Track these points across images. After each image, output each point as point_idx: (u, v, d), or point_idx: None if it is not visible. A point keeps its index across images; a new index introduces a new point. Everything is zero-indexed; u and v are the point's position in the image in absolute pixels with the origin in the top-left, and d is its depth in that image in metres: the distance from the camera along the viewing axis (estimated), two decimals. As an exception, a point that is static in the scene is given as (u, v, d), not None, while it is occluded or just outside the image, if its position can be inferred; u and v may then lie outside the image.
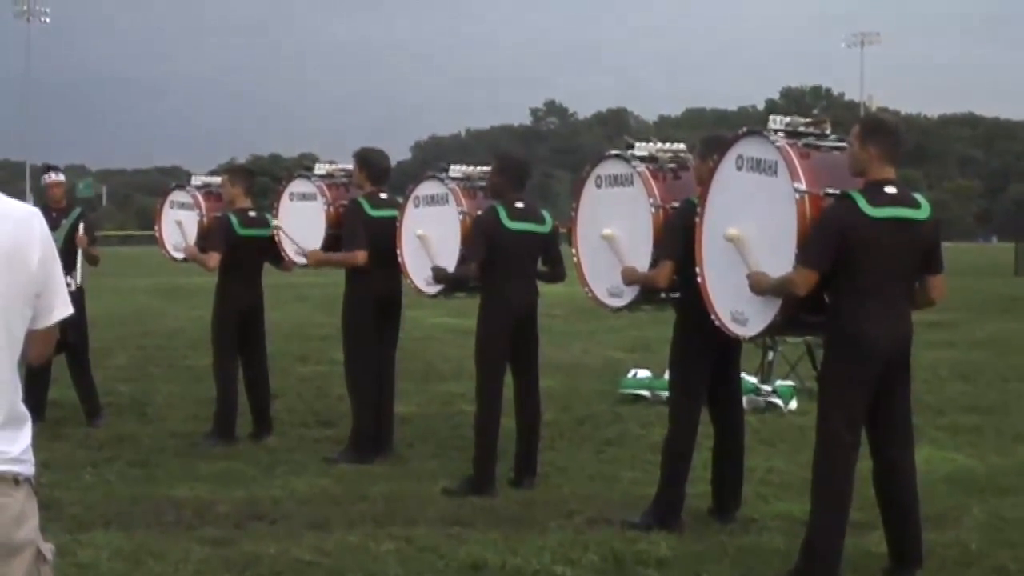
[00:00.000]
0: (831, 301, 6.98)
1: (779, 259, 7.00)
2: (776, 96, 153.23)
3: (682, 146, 9.00)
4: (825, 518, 6.97)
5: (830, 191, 6.93)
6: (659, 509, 8.27)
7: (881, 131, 6.96)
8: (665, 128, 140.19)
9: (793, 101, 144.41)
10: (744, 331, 7.51)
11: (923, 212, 6.90)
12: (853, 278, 6.80)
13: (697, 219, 7.74)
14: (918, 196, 6.98)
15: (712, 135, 8.64)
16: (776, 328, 7.46)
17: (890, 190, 6.83)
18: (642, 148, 8.85)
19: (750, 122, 8.11)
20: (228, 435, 11.31)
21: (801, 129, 7.34)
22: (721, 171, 7.59)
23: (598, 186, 9.05)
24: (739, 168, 7.45)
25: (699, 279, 7.66)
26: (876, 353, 6.84)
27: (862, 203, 6.74)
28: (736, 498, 8.57)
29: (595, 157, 9.31)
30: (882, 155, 6.87)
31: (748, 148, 7.41)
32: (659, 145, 8.92)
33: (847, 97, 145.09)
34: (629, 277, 8.54)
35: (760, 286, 7.11)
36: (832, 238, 6.75)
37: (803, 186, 6.91)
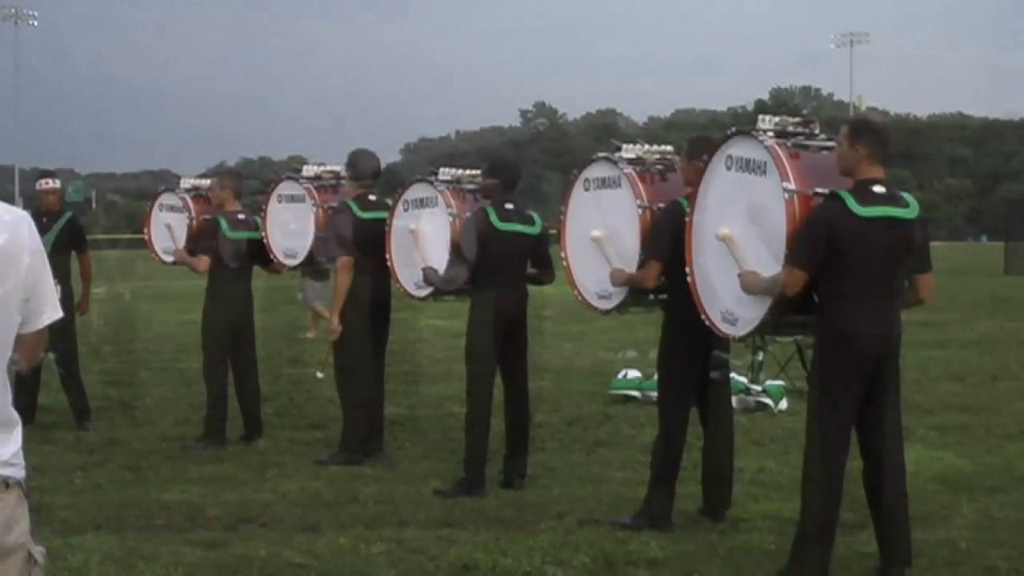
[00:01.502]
0: (821, 300, 6.99)
1: (769, 259, 7.02)
2: (766, 97, 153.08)
3: (669, 148, 9.03)
4: (815, 518, 6.98)
5: (819, 190, 6.95)
6: (650, 509, 8.29)
7: (869, 131, 6.99)
8: (654, 129, 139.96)
9: (783, 102, 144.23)
10: (734, 331, 7.53)
11: (911, 211, 6.93)
12: (842, 277, 6.82)
13: (687, 219, 7.76)
14: (906, 195, 7.00)
15: (699, 136, 8.69)
16: (766, 327, 7.48)
17: (879, 189, 6.86)
18: (629, 150, 8.87)
19: (739, 123, 8.10)
20: (218, 438, 11.31)
21: (790, 129, 7.35)
22: (711, 171, 7.60)
23: (586, 189, 9.06)
24: (728, 168, 7.46)
25: (689, 279, 7.68)
26: (865, 352, 6.86)
27: (851, 203, 6.76)
28: (726, 497, 8.58)
29: (583, 160, 9.33)
30: (870, 155, 6.90)
31: (737, 148, 7.42)
32: (646, 147, 8.94)
33: (836, 97, 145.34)
34: (618, 279, 8.56)
35: (751, 286, 7.14)
36: (821, 238, 6.78)
37: (792, 185, 6.94)
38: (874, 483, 7.13)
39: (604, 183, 8.88)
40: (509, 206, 9.57)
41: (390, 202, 10.62)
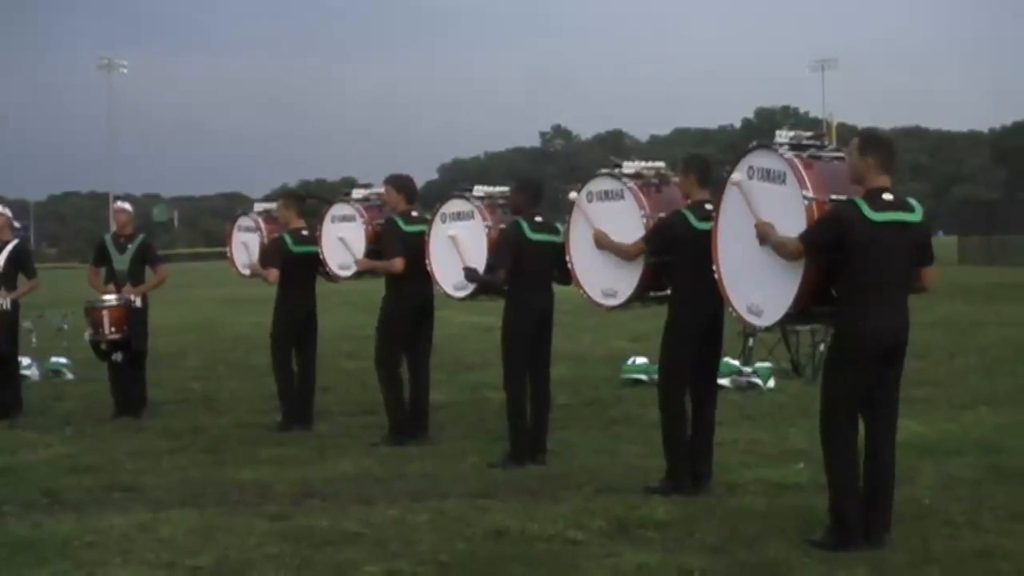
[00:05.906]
0: (838, 295, 6.89)
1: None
2: (751, 115, 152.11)
3: (662, 164, 8.94)
4: (841, 487, 6.87)
5: (835, 197, 6.86)
6: (673, 476, 8.28)
7: (877, 143, 6.90)
8: (656, 146, 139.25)
9: (766, 120, 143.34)
10: (760, 322, 7.36)
11: (917, 215, 6.85)
12: (856, 275, 6.72)
13: (713, 223, 7.61)
14: (911, 200, 6.90)
15: (693, 154, 8.71)
16: (789, 319, 7.27)
17: (887, 196, 6.77)
18: (629, 167, 8.80)
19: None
20: (302, 421, 11.43)
21: (804, 142, 7.24)
22: (734, 180, 7.41)
23: (589, 200, 8.95)
24: (750, 178, 7.28)
25: (716, 275, 7.52)
26: (875, 343, 6.77)
27: (865, 208, 6.68)
28: (708, 467, 8.45)
29: (585, 175, 9.25)
30: (879, 164, 6.81)
31: (758, 160, 7.25)
32: (643, 164, 8.87)
33: (812, 115, 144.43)
34: (600, 240, 8.56)
35: (765, 235, 6.99)
36: (830, 231, 6.69)
37: (811, 193, 6.84)
38: (867, 457, 6.97)
39: (607, 195, 8.77)
40: (539, 219, 9.54)
41: (429, 216, 10.55)
